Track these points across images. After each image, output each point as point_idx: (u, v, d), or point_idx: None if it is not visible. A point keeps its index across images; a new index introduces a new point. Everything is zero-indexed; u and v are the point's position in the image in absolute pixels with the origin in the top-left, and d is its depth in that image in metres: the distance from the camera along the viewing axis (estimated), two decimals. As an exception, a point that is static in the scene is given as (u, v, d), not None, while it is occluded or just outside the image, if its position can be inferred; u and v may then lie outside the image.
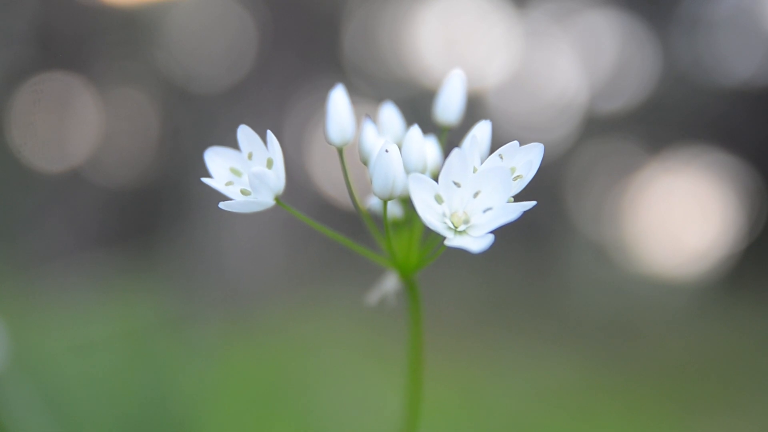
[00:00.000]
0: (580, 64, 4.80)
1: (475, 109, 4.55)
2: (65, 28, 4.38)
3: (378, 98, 4.60)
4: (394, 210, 0.61)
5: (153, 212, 4.42)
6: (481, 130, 0.55)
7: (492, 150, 0.54)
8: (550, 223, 4.63)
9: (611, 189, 4.79)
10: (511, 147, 0.52)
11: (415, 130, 0.54)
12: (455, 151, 0.50)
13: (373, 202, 0.63)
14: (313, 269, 3.81)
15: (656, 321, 3.45)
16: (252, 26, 4.53)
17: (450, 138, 0.63)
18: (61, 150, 4.43)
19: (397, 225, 0.61)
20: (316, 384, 1.81)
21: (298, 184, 4.23)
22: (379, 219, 0.57)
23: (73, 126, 4.40)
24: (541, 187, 4.44)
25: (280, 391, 1.75)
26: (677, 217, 4.76)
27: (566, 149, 4.77)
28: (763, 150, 4.50)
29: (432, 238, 0.58)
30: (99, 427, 1.32)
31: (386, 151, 0.51)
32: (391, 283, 0.62)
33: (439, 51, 4.76)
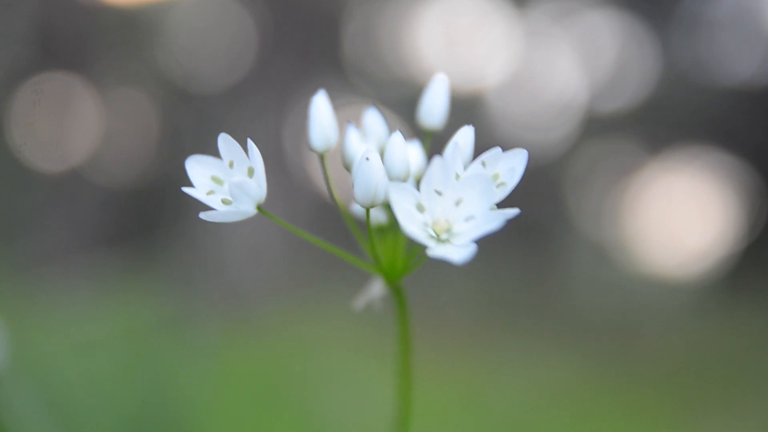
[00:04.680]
0: (580, 64, 4.80)
1: (475, 108, 4.55)
2: (65, 28, 4.38)
3: (378, 98, 4.62)
4: (379, 215, 0.60)
5: (153, 212, 4.42)
6: (464, 137, 0.54)
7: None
8: (550, 222, 4.63)
9: (611, 189, 4.79)
10: (494, 153, 0.51)
11: (398, 135, 0.53)
12: (436, 160, 0.49)
13: (357, 208, 0.62)
14: (313, 269, 3.81)
15: (656, 321, 3.45)
16: (252, 26, 4.53)
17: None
18: (60, 150, 4.43)
19: (382, 230, 0.60)
20: (315, 383, 1.82)
21: (298, 184, 4.23)
22: (365, 224, 0.57)
23: (73, 126, 4.41)
24: (541, 187, 4.44)
25: (280, 391, 1.75)
26: (677, 216, 4.76)
27: (566, 149, 4.77)
28: (763, 150, 4.50)
29: (418, 243, 0.57)
30: (99, 427, 1.32)
31: (367, 159, 0.50)
32: (377, 288, 0.62)
33: (439, 51, 4.76)
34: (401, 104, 4.21)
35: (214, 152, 0.57)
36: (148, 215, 4.44)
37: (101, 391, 1.43)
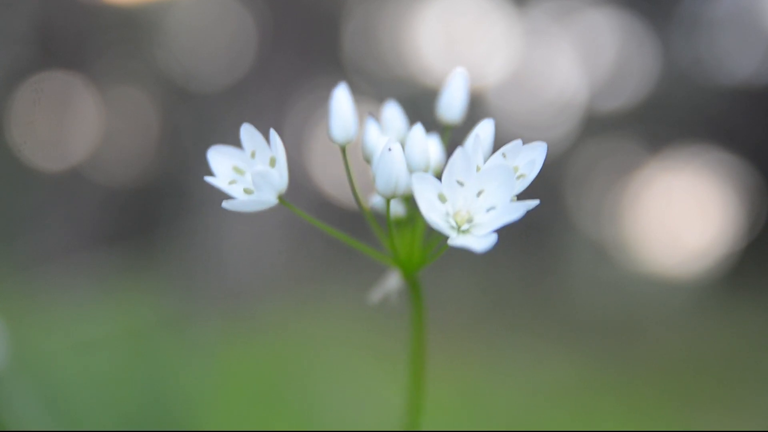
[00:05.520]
0: (580, 63, 4.80)
1: (475, 107, 4.55)
2: (65, 27, 4.38)
3: (378, 97, 4.61)
4: (397, 208, 0.61)
5: (153, 211, 4.42)
6: (485, 129, 0.55)
7: (493, 149, 0.54)
8: (550, 221, 4.63)
9: (611, 188, 4.79)
10: (514, 146, 0.52)
11: (418, 128, 0.54)
12: (458, 150, 0.50)
13: (376, 201, 0.63)
14: (313, 267, 3.81)
15: (656, 319, 3.45)
16: (252, 25, 4.53)
17: (452, 136, 0.63)
18: (60, 149, 4.43)
19: (400, 223, 0.61)
20: (316, 382, 1.82)
21: (298, 183, 4.24)
22: (381, 217, 0.57)
23: (73, 125, 4.41)
24: (542, 186, 4.43)
25: (281, 389, 1.76)
26: (677, 215, 4.76)
27: (566, 148, 4.77)
28: (763, 148, 4.50)
29: (435, 236, 0.58)
30: (99, 426, 1.32)
31: (389, 149, 0.51)
32: (393, 281, 0.62)
33: (440, 49, 4.76)
34: (401, 103, 4.21)
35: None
36: (148, 214, 4.44)
37: (101, 390, 1.44)
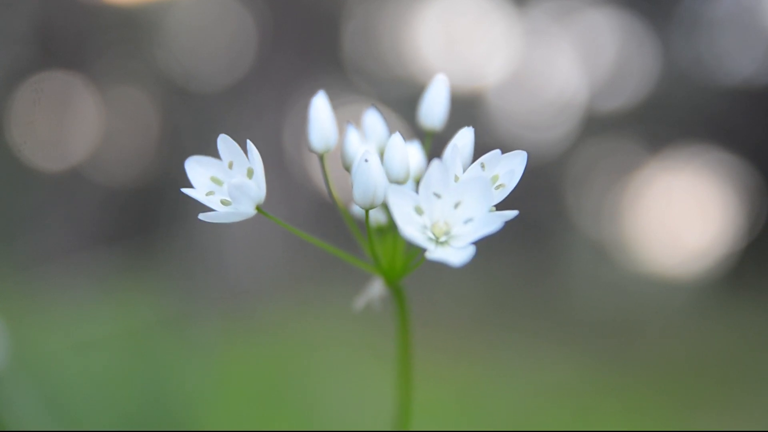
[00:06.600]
0: (580, 63, 4.80)
1: (475, 107, 4.55)
2: (65, 27, 4.38)
3: (378, 97, 4.61)
4: (378, 216, 0.60)
5: (153, 211, 4.42)
6: (463, 138, 0.54)
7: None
8: (549, 221, 4.63)
9: (611, 188, 4.79)
10: (493, 156, 0.51)
11: (397, 137, 0.53)
12: (435, 162, 0.49)
13: (356, 209, 0.62)
14: (313, 268, 3.81)
15: (656, 319, 3.45)
16: (252, 25, 4.53)
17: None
18: (60, 149, 4.44)
19: (382, 231, 0.60)
20: (315, 382, 1.82)
21: (298, 183, 4.24)
22: (365, 224, 0.57)
23: (73, 125, 4.41)
24: (541, 186, 4.44)
25: (280, 389, 1.76)
26: (677, 215, 4.76)
27: (566, 148, 4.77)
28: (763, 148, 4.50)
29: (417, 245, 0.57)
30: (99, 426, 1.32)
31: (366, 160, 0.50)
32: (376, 288, 0.62)
33: (439, 49, 4.76)
34: (401, 103, 4.21)
35: (215, 152, 0.57)
36: (148, 214, 4.44)
37: (101, 390, 1.44)
